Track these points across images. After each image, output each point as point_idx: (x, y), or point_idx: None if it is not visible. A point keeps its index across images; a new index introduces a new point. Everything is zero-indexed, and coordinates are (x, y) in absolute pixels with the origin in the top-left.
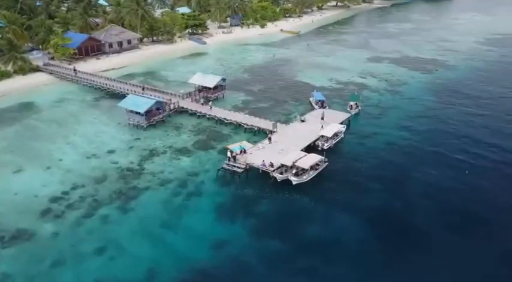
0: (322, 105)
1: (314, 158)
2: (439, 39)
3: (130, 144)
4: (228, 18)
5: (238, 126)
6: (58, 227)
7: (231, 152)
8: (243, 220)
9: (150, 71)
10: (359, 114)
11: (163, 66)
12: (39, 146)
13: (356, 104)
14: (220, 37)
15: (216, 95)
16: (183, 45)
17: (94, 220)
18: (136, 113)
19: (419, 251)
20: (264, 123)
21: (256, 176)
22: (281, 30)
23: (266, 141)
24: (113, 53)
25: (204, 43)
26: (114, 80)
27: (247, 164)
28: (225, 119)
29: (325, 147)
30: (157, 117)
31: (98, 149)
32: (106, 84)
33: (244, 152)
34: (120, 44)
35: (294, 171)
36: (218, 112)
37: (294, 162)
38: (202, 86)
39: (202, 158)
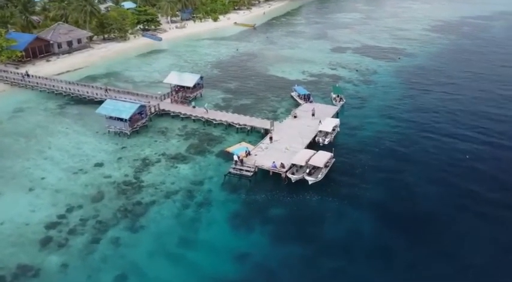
0: (308, 99)
1: (325, 155)
2: (390, 27)
3: (117, 155)
4: (178, 13)
5: (228, 127)
6: (65, 257)
7: (238, 155)
8: (261, 226)
9: (111, 72)
10: (343, 106)
11: (125, 66)
12: (11, 164)
13: (339, 96)
14: (174, 32)
15: (195, 94)
16: (138, 42)
17: (104, 245)
18: (118, 119)
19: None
20: (258, 122)
21: (266, 178)
22: (235, 23)
23: (267, 140)
24: (62, 53)
25: (160, 39)
26: (78, 84)
27: (256, 166)
28: (214, 119)
29: (326, 143)
30: (140, 122)
31: (82, 163)
32: (69, 89)
33: (249, 154)
34: (69, 43)
35: (307, 170)
36: (206, 113)
37: (307, 162)
38: (178, 86)
39: (202, 164)
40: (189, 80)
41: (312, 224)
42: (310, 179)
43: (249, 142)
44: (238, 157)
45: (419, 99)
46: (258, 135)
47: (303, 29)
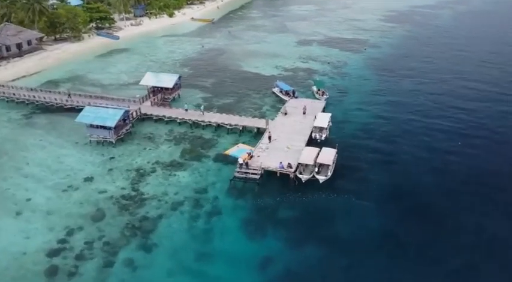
0: (293, 94)
1: (331, 152)
2: (346, 19)
3: (106, 166)
4: (131, 9)
5: (217, 128)
6: None
7: (242, 158)
8: (276, 231)
9: (74, 76)
10: (327, 100)
11: (86, 68)
12: None
13: (320, 90)
14: (131, 30)
15: (174, 95)
16: (94, 42)
17: (119, 268)
18: (102, 127)
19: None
20: (250, 121)
21: (273, 179)
22: (192, 18)
23: (265, 140)
24: (12, 57)
25: (117, 38)
26: (42, 91)
27: (262, 168)
28: (202, 121)
29: (323, 139)
30: (124, 129)
31: (70, 178)
32: (33, 97)
33: (252, 156)
34: (19, 46)
35: (316, 169)
36: (192, 114)
37: (315, 160)
38: (155, 87)
39: (201, 170)
40: (168, 80)
41: (327, 223)
42: (321, 178)
43: (244, 142)
44: (244, 160)
45: (394, 88)
46: (250, 135)
47: (263, 23)
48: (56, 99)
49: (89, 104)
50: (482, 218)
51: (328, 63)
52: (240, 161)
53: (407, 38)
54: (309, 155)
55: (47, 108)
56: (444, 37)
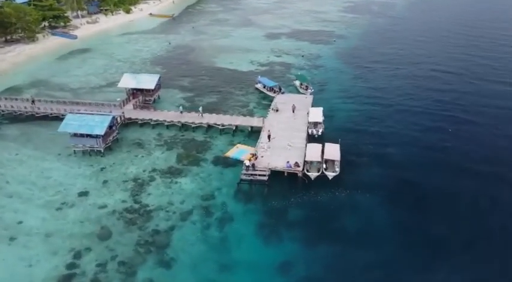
0: (280, 90)
1: (335, 147)
2: (308, 10)
3: (100, 178)
4: (85, 6)
5: (208, 129)
6: None
7: (248, 160)
8: (292, 233)
9: (37, 80)
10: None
11: (49, 71)
12: None
13: (302, 84)
14: (88, 28)
15: (155, 96)
16: (50, 42)
17: None
18: (88, 136)
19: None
20: (243, 120)
21: (280, 179)
22: (150, 14)
23: (264, 139)
24: None
25: (75, 37)
26: (7, 99)
27: (269, 168)
28: (193, 123)
29: (319, 133)
30: (112, 136)
31: (62, 195)
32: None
33: (256, 156)
34: None
35: (324, 165)
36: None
37: (322, 156)
38: (134, 89)
39: (202, 175)
40: (149, 81)
41: (344, 220)
42: (330, 174)
43: (239, 143)
44: (250, 161)
45: (370, 77)
46: (244, 134)
47: (225, 17)
48: (25, 108)
49: (65, 111)
50: (492, 204)
51: (302, 56)
52: (247, 163)
53: (370, 28)
54: (314, 151)
55: (15, 117)
56: (402, 26)
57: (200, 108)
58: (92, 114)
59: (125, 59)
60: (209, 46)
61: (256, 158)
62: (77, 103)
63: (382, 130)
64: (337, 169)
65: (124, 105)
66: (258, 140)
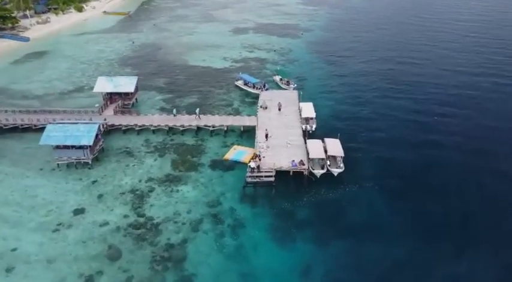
0: (264, 87)
1: (336, 142)
2: (267, 3)
3: (93, 193)
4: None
5: (198, 131)
6: None
7: (254, 161)
8: (306, 233)
9: None
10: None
11: (7, 78)
12: None
13: (282, 79)
14: (40, 29)
15: (133, 100)
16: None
17: None
18: (73, 147)
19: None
20: (234, 120)
21: (286, 179)
22: (104, 12)
23: (261, 138)
24: None
25: (27, 40)
26: None
27: (274, 169)
28: (181, 125)
29: (313, 129)
30: (98, 146)
31: (55, 214)
32: None
33: (259, 157)
34: None
35: (328, 162)
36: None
37: (328, 154)
38: (111, 93)
39: (202, 181)
40: (127, 84)
41: (357, 216)
42: (336, 171)
43: (233, 144)
44: (256, 163)
45: (344, 68)
46: (235, 134)
47: (185, 13)
48: None
49: (39, 121)
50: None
51: (274, 51)
52: (252, 164)
53: (332, 20)
54: (317, 148)
55: None
56: (361, 16)
57: (197, 110)
58: (76, 123)
59: (88, 61)
60: (176, 44)
61: (260, 159)
62: (50, 112)
63: (371, 120)
64: (341, 165)
65: (103, 111)
66: (255, 140)
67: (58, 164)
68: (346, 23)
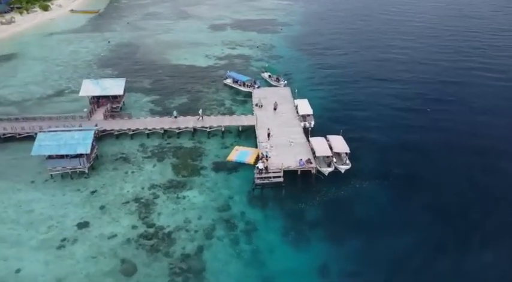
0: (254, 84)
1: (340, 139)
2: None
3: (94, 204)
4: None
5: (194, 133)
6: None
7: (261, 162)
8: (322, 232)
9: None
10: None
11: None
12: None
13: (271, 76)
14: (5, 30)
15: (121, 103)
16: None
17: None
18: (67, 156)
19: None
20: (232, 120)
21: (294, 179)
22: (71, 10)
23: (263, 138)
24: None
25: None
26: None
27: (282, 169)
28: (177, 128)
29: (312, 126)
30: (93, 153)
31: (57, 230)
32: None
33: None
34: None
35: (333, 159)
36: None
37: (334, 151)
38: (97, 97)
39: (208, 185)
40: (115, 86)
41: (371, 213)
42: (343, 167)
43: (232, 144)
44: (264, 164)
45: (329, 62)
46: (233, 135)
47: (157, 10)
48: None
49: (23, 130)
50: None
51: (257, 47)
52: (260, 166)
53: (309, 14)
54: (322, 146)
55: None
56: (336, 8)
57: (200, 111)
58: (70, 130)
59: (64, 62)
60: (154, 42)
61: (267, 160)
62: (34, 119)
63: (364, 113)
64: (348, 161)
65: (91, 116)
66: (257, 140)
67: (51, 175)
68: (323, 16)
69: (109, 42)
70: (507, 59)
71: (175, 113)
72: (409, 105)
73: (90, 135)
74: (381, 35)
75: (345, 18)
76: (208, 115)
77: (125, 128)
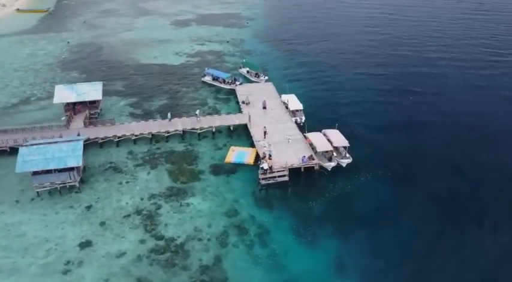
0: (234, 81)
1: (337, 133)
2: None
3: (93, 220)
4: None
5: (183, 136)
6: None
7: (266, 163)
8: (333, 230)
9: None
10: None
11: None
12: None
13: (251, 71)
14: None
15: (100, 108)
16: None
17: None
18: (56, 170)
19: None
20: (222, 120)
21: (297, 176)
22: (17, 10)
23: (259, 136)
24: None
25: None
26: None
27: (285, 167)
28: (166, 131)
29: (303, 120)
30: (82, 165)
31: (58, 253)
32: None
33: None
34: None
35: (333, 154)
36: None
37: (334, 145)
38: (73, 103)
39: (210, 190)
40: (92, 91)
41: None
42: (344, 161)
43: (224, 145)
44: (268, 164)
45: (302, 54)
46: (223, 135)
47: (113, 6)
48: None
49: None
50: None
51: (227, 42)
52: (265, 166)
53: (271, 7)
54: (322, 141)
55: None
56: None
57: (197, 111)
58: (56, 142)
59: (22, 67)
60: (118, 41)
61: (270, 159)
62: (6, 131)
63: (347, 103)
64: (347, 155)
65: (69, 125)
66: (254, 139)
67: (38, 192)
68: (284, 7)
69: (68, 42)
70: (468, 47)
71: (169, 115)
72: (389, 93)
73: (80, 145)
74: (347, 26)
75: (306, 10)
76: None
77: (110, 135)
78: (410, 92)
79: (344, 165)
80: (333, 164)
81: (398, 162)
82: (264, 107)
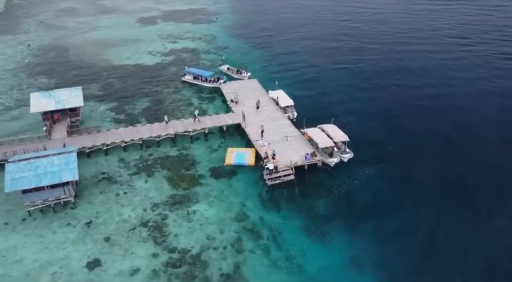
0: (218, 79)
1: (335, 128)
2: None
3: (96, 237)
4: None
5: (175, 140)
6: None
7: (270, 163)
8: (341, 227)
9: None
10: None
11: None
12: None
13: (231, 68)
14: None
15: (80, 115)
16: None
17: None
18: (48, 186)
19: None
20: (214, 121)
21: (302, 174)
22: None
23: (256, 136)
24: None
25: None
26: None
27: (289, 166)
28: (158, 136)
29: (295, 117)
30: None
31: (64, 276)
32: None
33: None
34: None
35: (335, 149)
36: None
37: (334, 141)
38: (52, 111)
39: (214, 194)
40: (72, 97)
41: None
42: (346, 156)
43: (219, 146)
44: (274, 163)
45: (275, 48)
46: (216, 136)
47: (70, 5)
48: None
49: None
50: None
51: (200, 38)
52: (271, 166)
53: (235, 2)
54: (322, 137)
55: None
56: None
57: (196, 112)
58: (47, 155)
59: None
60: (84, 42)
61: (275, 158)
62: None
63: (333, 97)
64: (348, 150)
65: (51, 135)
66: (251, 138)
67: (29, 211)
68: (251, 3)
69: (29, 45)
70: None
71: (166, 117)
72: (374, 84)
73: (73, 157)
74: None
75: (272, 1)
76: (177, 118)
77: (99, 144)
78: (395, 80)
79: (345, 160)
80: (335, 160)
81: (398, 151)
82: (257, 107)
